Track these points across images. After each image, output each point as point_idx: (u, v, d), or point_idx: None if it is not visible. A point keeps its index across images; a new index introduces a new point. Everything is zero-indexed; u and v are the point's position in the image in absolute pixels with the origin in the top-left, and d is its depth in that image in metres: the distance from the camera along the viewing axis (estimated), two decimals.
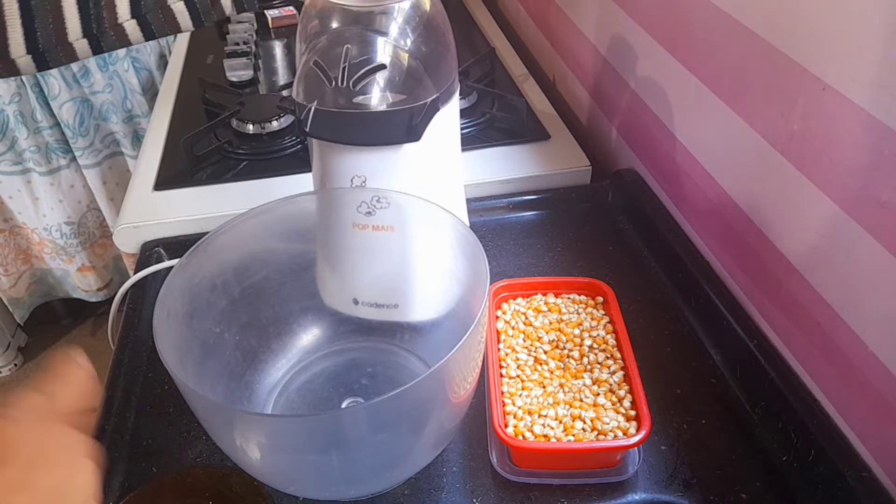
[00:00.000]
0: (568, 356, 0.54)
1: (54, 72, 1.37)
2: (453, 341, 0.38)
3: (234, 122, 0.88)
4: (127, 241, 0.74)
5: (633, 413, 0.49)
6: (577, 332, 0.55)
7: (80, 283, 1.71)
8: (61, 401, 0.38)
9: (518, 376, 0.52)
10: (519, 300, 0.59)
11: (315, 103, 0.47)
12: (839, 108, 0.43)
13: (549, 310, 0.58)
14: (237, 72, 1.01)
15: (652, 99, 0.69)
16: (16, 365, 1.75)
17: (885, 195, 0.41)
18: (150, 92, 1.49)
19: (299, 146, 0.85)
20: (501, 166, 0.79)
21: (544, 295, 0.59)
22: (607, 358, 0.53)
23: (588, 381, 0.51)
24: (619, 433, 0.47)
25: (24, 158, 1.47)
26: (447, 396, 0.42)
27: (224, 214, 0.74)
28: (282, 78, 1.04)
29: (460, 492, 0.49)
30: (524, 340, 0.55)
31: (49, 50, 0.41)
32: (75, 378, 0.39)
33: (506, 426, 0.48)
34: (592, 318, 0.56)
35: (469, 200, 0.68)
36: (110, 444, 0.53)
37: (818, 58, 0.44)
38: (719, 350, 0.58)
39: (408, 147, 0.51)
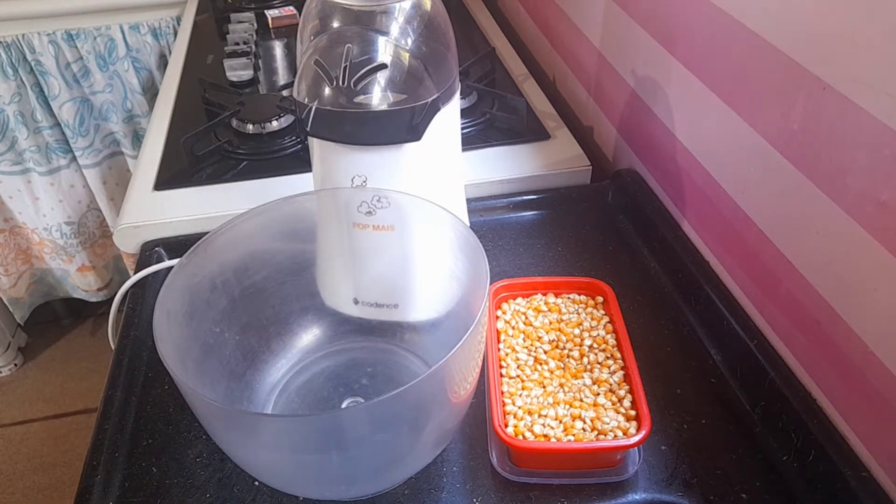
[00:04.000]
0: (568, 356, 0.54)
1: (54, 72, 1.37)
2: (453, 341, 0.38)
3: (234, 122, 0.88)
4: (127, 241, 0.74)
5: (633, 413, 0.49)
6: (577, 331, 0.55)
7: (80, 283, 1.71)
8: None
9: (518, 376, 0.52)
10: (519, 300, 0.59)
11: (316, 103, 0.47)
12: (839, 108, 0.43)
13: (549, 310, 0.58)
14: (237, 72, 1.01)
15: (652, 99, 0.69)
16: (16, 365, 1.75)
17: (885, 195, 0.41)
18: (150, 92, 1.50)
19: (299, 146, 0.85)
20: (501, 166, 0.79)
21: (544, 295, 0.59)
22: (607, 358, 0.53)
23: (588, 381, 0.51)
24: (619, 433, 0.47)
25: (24, 158, 1.47)
26: (447, 396, 0.42)
27: (224, 214, 0.74)
28: (282, 78, 1.04)
29: (460, 492, 0.49)
30: (524, 340, 0.55)
31: None
32: None
33: (506, 426, 0.48)
34: (592, 318, 0.56)
35: (469, 200, 0.68)
36: (110, 444, 0.53)
37: (818, 58, 0.44)
38: (719, 350, 0.58)
39: (408, 147, 0.51)
